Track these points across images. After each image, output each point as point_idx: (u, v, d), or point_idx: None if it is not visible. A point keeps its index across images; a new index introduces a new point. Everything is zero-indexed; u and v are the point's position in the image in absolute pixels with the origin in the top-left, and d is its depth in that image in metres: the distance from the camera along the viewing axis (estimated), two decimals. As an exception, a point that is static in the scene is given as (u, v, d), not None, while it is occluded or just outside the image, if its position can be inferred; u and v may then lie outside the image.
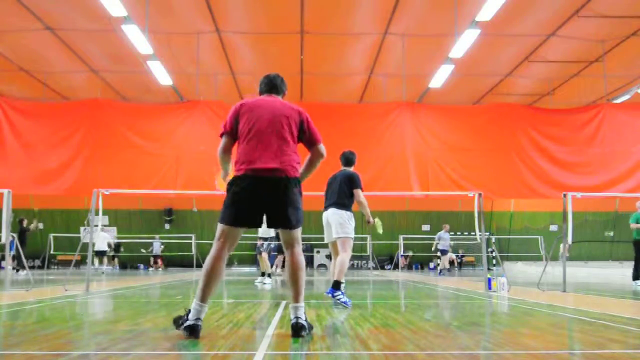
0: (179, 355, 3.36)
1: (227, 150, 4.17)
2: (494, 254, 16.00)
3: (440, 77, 14.30)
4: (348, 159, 7.27)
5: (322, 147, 4.27)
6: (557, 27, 13.16)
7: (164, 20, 12.72)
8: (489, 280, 9.13)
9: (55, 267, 23.28)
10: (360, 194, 6.83)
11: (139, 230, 24.84)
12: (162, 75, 14.27)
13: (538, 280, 9.74)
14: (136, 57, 13.51)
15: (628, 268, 18.55)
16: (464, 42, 12.07)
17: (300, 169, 4.19)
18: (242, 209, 3.91)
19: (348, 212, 6.73)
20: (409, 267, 25.79)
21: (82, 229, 17.48)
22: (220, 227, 3.95)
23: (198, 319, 3.82)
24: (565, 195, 9.35)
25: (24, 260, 11.03)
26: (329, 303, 6.77)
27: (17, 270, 16.42)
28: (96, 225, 9.73)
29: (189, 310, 3.88)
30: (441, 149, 13.24)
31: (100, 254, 18.47)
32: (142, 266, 24.69)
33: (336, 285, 6.29)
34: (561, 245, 9.83)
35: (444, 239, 19.26)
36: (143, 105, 14.90)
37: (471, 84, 16.91)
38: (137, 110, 13.88)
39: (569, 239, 9.17)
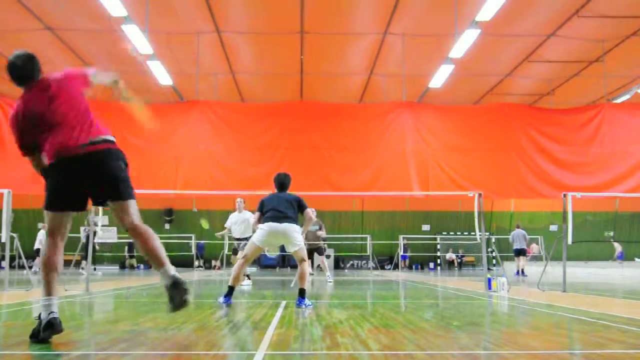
0: (179, 355, 3.36)
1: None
2: (494, 254, 16.01)
3: (440, 77, 14.30)
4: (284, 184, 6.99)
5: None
6: (557, 27, 13.15)
7: (164, 20, 12.71)
8: (489, 280, 9.13)
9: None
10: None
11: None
12: (162, 75, 14.27)
13: (538, 280, 9.74)
14: (136, 57, 13.51)
15: (628, 268, 18.59)
16: (464, 42, 12.07)
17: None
18: None
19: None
20: (409, 267, 25.79)
21: (82, 228, 17.46)
22: None
23: (51, 312, 3.57)
24: (565, 195, 9.35)
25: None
26: (329, 303, 6.77)
27: (95, 269, 18.76)
28: (96, 225, 9.72)
29: (39, 314, 3.63)
30: (441, 149, 13.23)
31: (37, 253, 17.36)
32: (141, 266, 24.67)
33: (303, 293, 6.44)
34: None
35: (519, 237, 18.09)
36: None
37: (471, 84, 16.90)
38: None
39: (569, 239, 9.17)
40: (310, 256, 13.39)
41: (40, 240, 18.42)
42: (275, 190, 6.90)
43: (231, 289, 6.52)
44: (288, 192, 6.90)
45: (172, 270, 3.65)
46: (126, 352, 3.27)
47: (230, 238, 12.87)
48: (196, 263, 23.18)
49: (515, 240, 18.00)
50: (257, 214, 6.70)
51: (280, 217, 6.46)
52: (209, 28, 13.25)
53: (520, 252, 17.98)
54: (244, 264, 6.63)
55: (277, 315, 5.33)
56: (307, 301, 6.24)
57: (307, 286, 6.47)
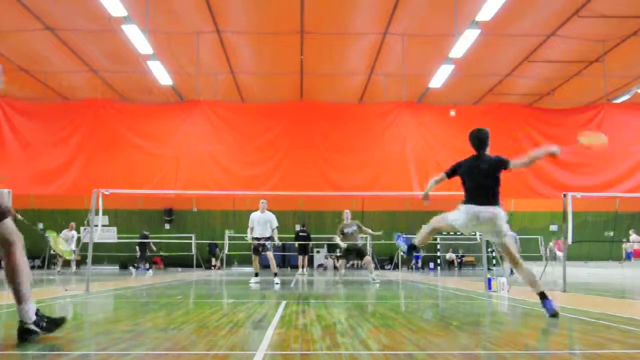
0: (178, 355, 3.35)
1: None
2: (494, 254, 15.98)
3: (440, 77, 14.29)
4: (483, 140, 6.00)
5: None
6: (557, 27, 13.16)
7: (164, 20, 12.72)
8: (489, 280, 9.13)
9: (55, 267, 23.25)
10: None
11: (139, 230, 24.84)
12: (162, 75, 14.26)
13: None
14: (136, 57, 13.52)
15: (628, 268, 18.58)
16: (464, 42, 12.07)
17: None
18: None
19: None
20: (409, 267, 25.77)
21: (82, 229, 17.46)
22: None
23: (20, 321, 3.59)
24: (565, 195, 9.34)
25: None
26: (328, 303, 6.77)
27: (138, 268, 19.87)
28: (96, 225, 9.74)
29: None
30: (441, 149, 13.23)
31: None
32: (141, 267, 24.66)
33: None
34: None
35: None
36: (143, 105, 14.90)
37: (471, 84, 16.91)
38: (137, 110, 13.88)
39: (569, 239, 9.17)
40: (350, 256, 13.24)
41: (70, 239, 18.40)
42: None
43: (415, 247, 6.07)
44: (487, 153, 5.87)
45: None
46: (126, 352, 3.27)
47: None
48: (202, 263, 23.12)
49: None
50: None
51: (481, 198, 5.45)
52: (209, 28, 13.25)
53: None
54: (433, 231, 5.96)
55: (277, 315, 5.33)
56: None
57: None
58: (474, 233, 10.52)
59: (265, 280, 12.25)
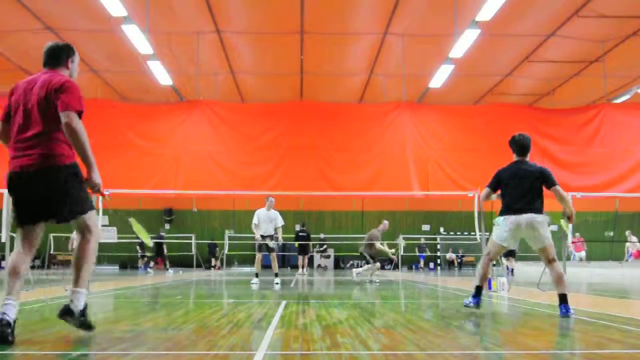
0: (178, 355, 3.36)
1: None
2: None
3: (440, 77, 14.29)
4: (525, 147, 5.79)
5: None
6: (557, 27, 13.16)
7: (164, 20, 12.72)
8: (489, 280, 9.12)
9: (55, 267, 23.27)
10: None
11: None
12: (162, 75, 14.27)
13: (538, 280, 9.73)
14: (136, 57, 13.52)
15: (628, 268, 18.57)
16: (464, 42, 12.07)
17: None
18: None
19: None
20: (409, 267, 25.78)
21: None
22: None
23: (4, 313, 3.55)
24: (565, 195, 9.33)
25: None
26: (329, 303, 6.77)
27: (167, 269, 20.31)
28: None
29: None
30: (441, 149, 13.25)
31: None
32: (141, 267, 24.67)
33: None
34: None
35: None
36: (143, 105, 14.92)
37: (471, 84, 16.91)
38: (137, 110, 13.89)
39: (569, 239, 9.16)
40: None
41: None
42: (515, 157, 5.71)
43: (479, 289, 5.68)
44: (529, 160, 5.71)
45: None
46: (126, 352, 3.27)
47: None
48: (202, 263, 23.12)
49: None
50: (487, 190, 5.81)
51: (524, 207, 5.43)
52: (209, 28, 13.25)
53: (510, 253, 18.30)
54: (489, 263, 5.81)
55: (277, 315, 5.33)
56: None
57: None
58: (473, 233, 10.53)
59: (265, 280, 12.25)
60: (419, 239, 25.67)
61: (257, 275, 11.62)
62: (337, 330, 4.32)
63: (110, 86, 17.08)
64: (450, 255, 26.31)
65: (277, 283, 11.12)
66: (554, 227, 25.75)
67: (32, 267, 17.22)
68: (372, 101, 17.13)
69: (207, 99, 14.84)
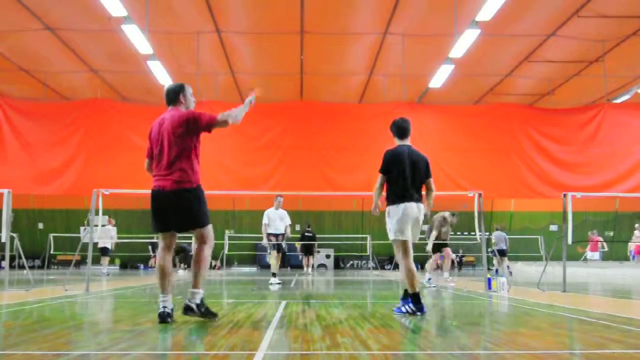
0: (178, 355, 3.36)
1: None
2: (494, 254, 16.00)
3: (440, 77, 14.29)
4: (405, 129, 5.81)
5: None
6: (557, 27, 13.15)
7: (164, 20, 12.71)
8: (489, 280, 9.13)
9: (55, 267, 23.28)
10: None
11: (139, 231, 24.82)
12: (162, 75, 14.26)
13: (538, 280, 9.74)
14: (136, 57, 13.51)
15: (628, 268, 18.57)
16: (464, 42, 12.07)
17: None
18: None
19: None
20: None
21: (82, 228, 17.45)
22: None
23: (164, 307, 4.68)
24: (565, 195, 9.35)
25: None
26: (328, 303, 6.77)
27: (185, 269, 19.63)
28: (96, 225, 9.73)
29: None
30: (441, 149, 13.23)
31: (103, 252, 17.79)
32: (142, 266, 24.68)
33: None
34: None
35: (500, 239, 17.90)
36: (143, 106, 14.89)
37: (471, 84, 16.90)
38: (137, 110, 13.87)
39: (569, 239, 9.17)
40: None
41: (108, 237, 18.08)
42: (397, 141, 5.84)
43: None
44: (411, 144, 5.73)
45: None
46: (126, 352, 3.27)
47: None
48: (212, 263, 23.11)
49: (497, 242, 18.29)
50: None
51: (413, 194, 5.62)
52: (209, 28, 13.25)
53: (502, 253, 18.30)
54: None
55: (277, 315, 5.33)
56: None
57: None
58: (473, 233, 10.52)
59: (263, 280, 12.25)
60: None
61: (274, 275, 11.55)
62: (337, 330, 4.32)
63: (110, 86, 17.07)
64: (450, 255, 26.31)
65: (278, 283, 11.11)
66: (554, 227, 25.78)
67: (32, 267, 17.22)
68: (372, 101, 17.12)
69: (207, 99, 14.82)
